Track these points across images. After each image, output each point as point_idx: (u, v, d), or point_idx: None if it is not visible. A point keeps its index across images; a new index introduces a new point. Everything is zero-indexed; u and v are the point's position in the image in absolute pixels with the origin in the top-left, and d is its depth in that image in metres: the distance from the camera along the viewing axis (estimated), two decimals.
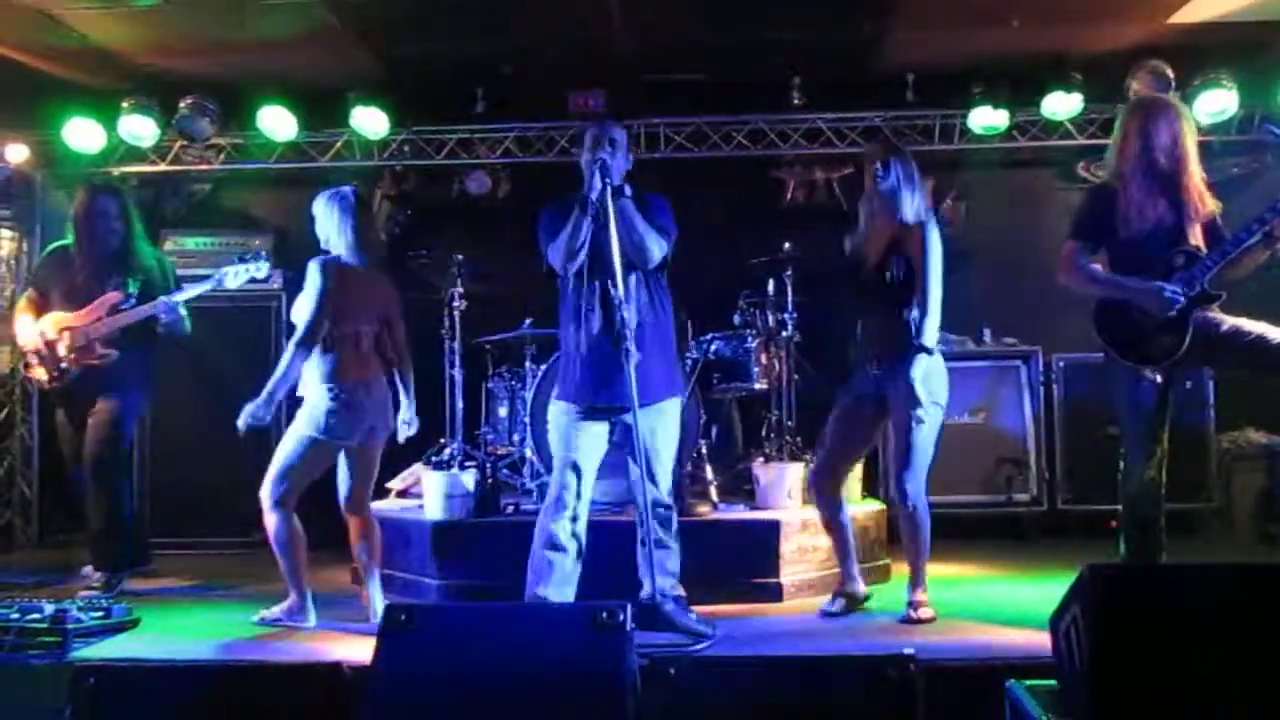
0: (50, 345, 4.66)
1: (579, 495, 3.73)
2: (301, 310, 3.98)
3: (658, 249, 3.73)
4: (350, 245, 4.08)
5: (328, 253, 4.10)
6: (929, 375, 3.88)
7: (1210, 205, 3.66)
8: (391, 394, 4.20)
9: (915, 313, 3.88)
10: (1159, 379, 3.61)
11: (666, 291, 3.88)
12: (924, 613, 3.90)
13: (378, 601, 4.10)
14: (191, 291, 4.64)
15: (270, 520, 3.99)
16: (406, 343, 4.28)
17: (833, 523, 4.20)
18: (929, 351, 3.86)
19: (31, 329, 4.71)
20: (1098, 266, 3.71)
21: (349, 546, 4.25)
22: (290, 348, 3.94)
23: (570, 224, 3.67)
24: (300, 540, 4.04)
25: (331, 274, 3.97)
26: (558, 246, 3.71)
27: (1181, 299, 3.52)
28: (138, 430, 5.27)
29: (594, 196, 3.63)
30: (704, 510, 4.84)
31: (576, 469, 3.72)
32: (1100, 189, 3.82)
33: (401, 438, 4.26)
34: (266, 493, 3.98)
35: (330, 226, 4.10)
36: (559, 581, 3.69)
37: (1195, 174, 3.64)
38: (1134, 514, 3.68)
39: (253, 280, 4.67)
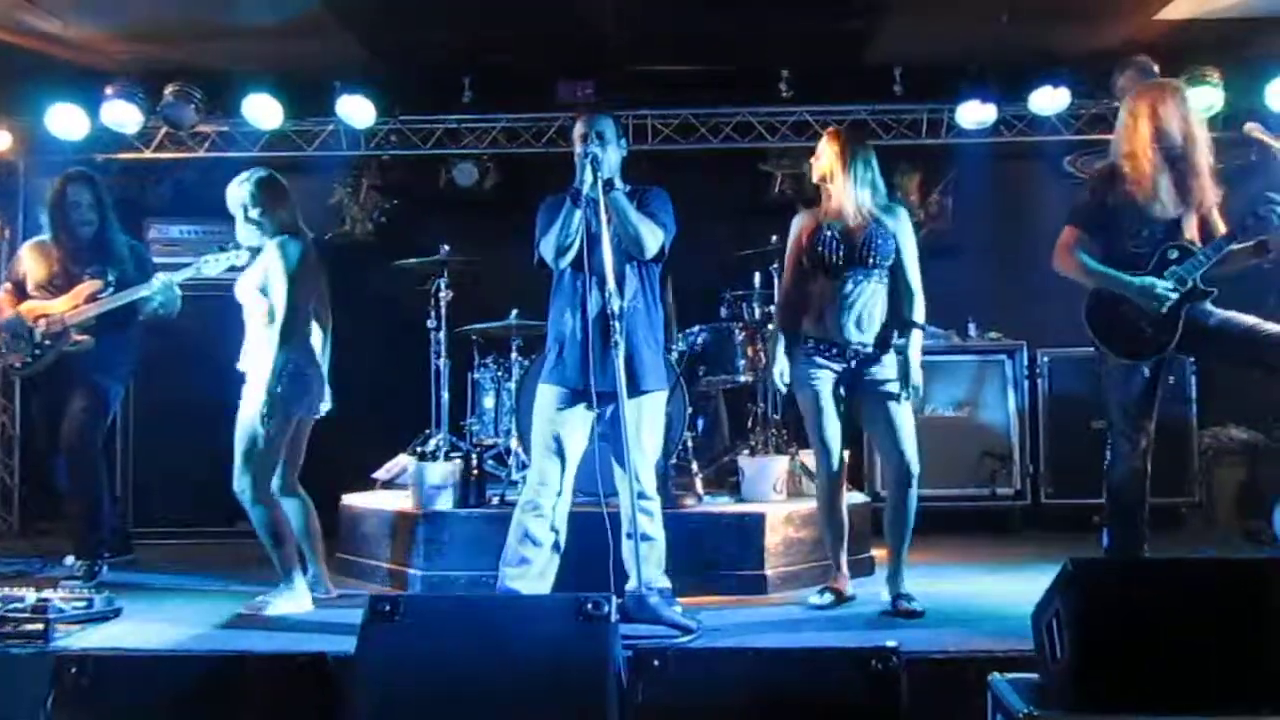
0: (27, 330, 4.64)
1: (558, 489, 3.71)
2: (281, 290, 3.97)
3: (654, 241, 3.73)
4: (295, 222, 4.14)
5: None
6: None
7: (1214, 194, 3.58)
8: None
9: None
10: (1147, 371, 3.61)
11: (660, 283, 3.88)
12: (910, 605, 3.89)
13: (325, 574, 4.31)
14: (176, 276, 4.61)
15: (255, 514, 3.98)
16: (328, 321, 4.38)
17: (833, 511, 4.14)
18: (921, 327, 3.94)
19: (7, 312, 4.70)
20: (1091, 256, 3.65)
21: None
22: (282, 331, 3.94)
23: (561, 218, 3.68)
24: (288, 527, 4.05)
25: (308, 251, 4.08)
26: (548, 240, 3.73)
27: (1174, 296, 3.51)
28: (118, 418, 5.23)
29: (585, 190, 3.64)
30: (689, 502, 4.83)
31: (557, 461, 3.71)
32: (1108, 174, 3.67)
33: (321, 411, 4.31)
34: (244, 487, 3.95)
35: (281, 204, 4.14)
36: (533, 576, 3.68)
37: (1206, 158, 3.56)
38: (1118, 503, 3.68)
39: (232, 268, 4.62)
